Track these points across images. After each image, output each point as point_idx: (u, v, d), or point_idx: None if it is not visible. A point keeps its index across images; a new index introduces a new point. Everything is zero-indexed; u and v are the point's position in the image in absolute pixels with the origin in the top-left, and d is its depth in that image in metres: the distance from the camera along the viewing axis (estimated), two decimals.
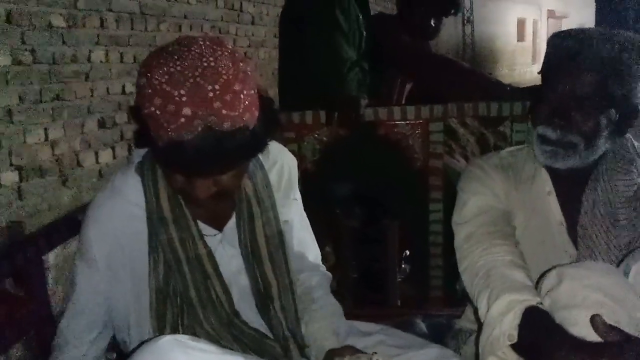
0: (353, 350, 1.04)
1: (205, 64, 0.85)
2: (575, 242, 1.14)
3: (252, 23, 5.14)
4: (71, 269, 1.12)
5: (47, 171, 2.89)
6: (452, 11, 2.25)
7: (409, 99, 2.39)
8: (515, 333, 0.90)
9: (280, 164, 1.16)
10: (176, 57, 0.86)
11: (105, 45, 3.30)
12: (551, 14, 20.79)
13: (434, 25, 2.21)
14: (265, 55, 5.27)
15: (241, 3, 4.94)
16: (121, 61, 3.45)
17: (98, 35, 3.25)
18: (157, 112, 0.84)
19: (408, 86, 2.38)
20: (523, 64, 18.30)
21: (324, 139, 1.90)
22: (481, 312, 1.00)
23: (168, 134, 0.85)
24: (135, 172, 1.05)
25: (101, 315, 1.08)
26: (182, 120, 0.83)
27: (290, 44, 2.06)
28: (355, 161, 1.90)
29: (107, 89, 3.34)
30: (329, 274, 1.26)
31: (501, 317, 0.93)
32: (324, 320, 1.13)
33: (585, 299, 0.85)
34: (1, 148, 2.62)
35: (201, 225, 1.06)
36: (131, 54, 3.54)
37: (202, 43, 0.88)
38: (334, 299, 1.21)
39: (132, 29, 3.55)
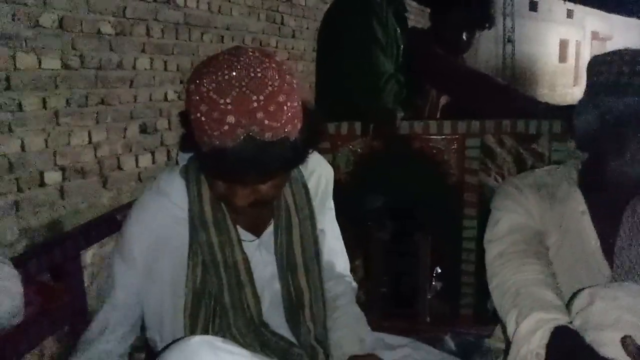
0: (376, 359, 1.04)
1: (252, 75, 0.86)
2: (610, 263, 1.11)
3: (293, 36, 5.22)
4: (105, 269, 1.14)
5: (89, 172, 2.99)
6: (486, 25, 2.23)
7: (444, 113, 2.37)
8: (543, 352, 0.89)
9: (318, 173, 1.17)
10: (225, 66, 0.87)
11: (150, 54, 3.41)
12: (595, 35, 20.40)
13: (466, 39, 2.19)
14: (304, 68, 5.33)
15: (282, 16, 5.02)
16: (165, 69, 3.56)
17: (144, 44, 3.36)
18: (203, 118, 0.86)
19: (443, 100, 2.37)
20: (564, 86, 17.98)
21: (359, 150, 1.90)
22: (509, 330, 0.99)
23: (211, 140, 0.87)
24: (180, 174, 1.07)
25: (134, 312, 1.10)
26: (226, 127, 0.85)
27: (328, 56, 2.08)
28: (389, 174, 1.89)
29: (150, 95, 3.44)
30: (355, 284, 1.26)
31: (529, 335, 0.92)
32: (346, 327, 1.14)
33: (617, 320, 0.83)
34: (47, 148, 2.72)
35: (240, 230, 1.07)
36: (175, 63, 3.64)
37: (251, 54, 0.90)
38: (357, 308, 1.20)
39: (176, 38, 3.65)
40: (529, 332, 0.92)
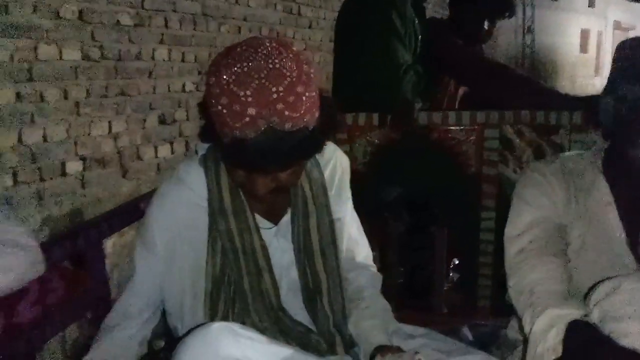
0: (399, 351, 1.04)
1: (271, 66, 0.88)
2: (636, 255, 1.10)
3: (310, 27, 5.21)
4: (128, 257, 1.17)
5: (109, 162, 3.03)
6: (506, 14, 2.20)
7: (462, 104, 2.35)
8: (559, 348, 0.89)
9: (334, 162, 1.18)
10: (243, 58, 0.89)
11: (169, 45, 3.43)
12: (617, 25, 20.01)
13: (487, 29, 2.16)
14: (321, 59, 5.32)
15: (299, 7, 5.01)
16: (183, 60, 3.58)
17: (162, 35, 3.38)
18: (224, 110, 0.88)
19: (461, 91, 2.35)
20: (585, 76, 17.68)
21: (376, 141, 1.90)
22: (526, 329, 0.99)
23: (232, 131, 0.88)
24: (199, 164, 1.09)
25: (155, 298, 1.12)
26: (247, 119, 0.87)
27: (345, 47, 2.08)
28: (406, 165, 1.89)
29: (169, 86, 3.47)
30: (379, 274, 1.27)
31: (545, 333, 0.92)
32: (373, 318, 1.14)
33: (638, 310, 0.83)
34: (68, 138, 2.76)
35: (258, 218, 1.09)
36: (192, 54, 3.65)
37: (268, 44, 0.91)
38: (383, 299, 1.21)
39: (194, 29, 3.67)
40: (545, 329, 0.92)
